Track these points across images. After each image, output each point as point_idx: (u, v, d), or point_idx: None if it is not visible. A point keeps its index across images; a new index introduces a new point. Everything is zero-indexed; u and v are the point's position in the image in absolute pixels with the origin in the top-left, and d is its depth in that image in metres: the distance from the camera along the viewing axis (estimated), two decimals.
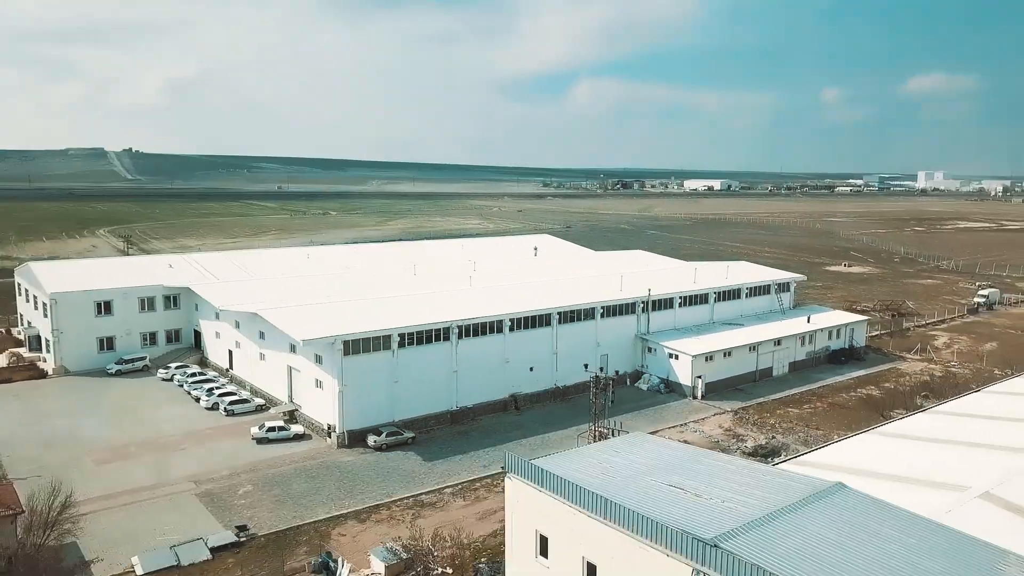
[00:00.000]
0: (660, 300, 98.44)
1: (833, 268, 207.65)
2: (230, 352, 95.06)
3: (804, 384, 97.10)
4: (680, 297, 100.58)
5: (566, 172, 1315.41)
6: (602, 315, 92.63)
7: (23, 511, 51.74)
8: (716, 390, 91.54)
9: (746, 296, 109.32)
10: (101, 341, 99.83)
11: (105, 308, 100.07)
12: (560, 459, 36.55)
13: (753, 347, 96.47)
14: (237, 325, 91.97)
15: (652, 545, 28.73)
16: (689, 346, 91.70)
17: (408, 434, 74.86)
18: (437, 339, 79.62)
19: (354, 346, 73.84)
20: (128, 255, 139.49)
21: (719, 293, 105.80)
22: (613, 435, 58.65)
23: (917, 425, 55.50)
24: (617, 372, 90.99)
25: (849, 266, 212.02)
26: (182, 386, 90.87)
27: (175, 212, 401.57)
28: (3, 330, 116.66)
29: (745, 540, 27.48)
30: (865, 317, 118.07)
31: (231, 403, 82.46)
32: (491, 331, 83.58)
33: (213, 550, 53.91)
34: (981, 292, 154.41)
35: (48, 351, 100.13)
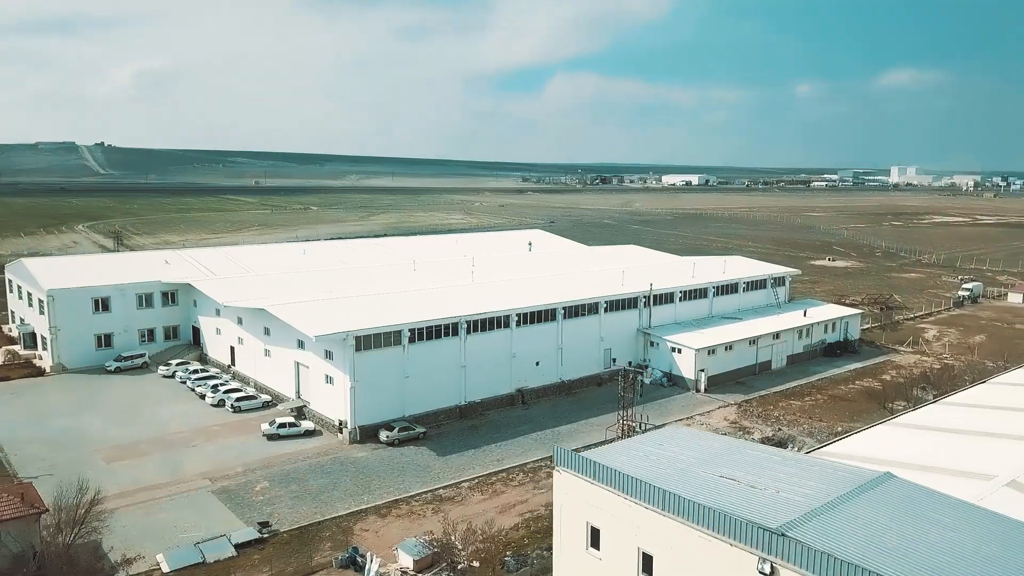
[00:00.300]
0: (661, 295, 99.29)
1: (817, 262, 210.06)
2: (232, 349, 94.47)
3: (803, 377, 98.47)
4: (680, 292, 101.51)
5: (544, 167, 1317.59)
6: (606, 310, 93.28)
7: (47, 509, 51.38)
8: (718, 383, 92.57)
9: (743, 290, 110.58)
10: (99, 338, 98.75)
11: (103, 305, 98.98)
12: (605, 452, 37.00)
13: (753, 341, 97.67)
14: (240, 321, 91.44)
15: (714, 535, 29.27)
16: (692, 340, 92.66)
17: (419, 429, 75.01)
18: (446, 334, 79.79)
19: (365, 342, 73.82)
20: (118, 251, 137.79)
21: (717, 287, 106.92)
22: (640, 428, 59.18)
23: (930, 416, 56.63)
24: (629, 363, 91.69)
25: (833, 260, 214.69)
26: (184, 383, 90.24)
27: (153, 207, 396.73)
28: None
29: (809, 529, 28.10)
30: (859, 311, 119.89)
31: (238, 400, 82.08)
32: (498, 326, 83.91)
33: (237, 547, 53.82)
34: (965, 286, 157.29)
35: (44, 348, 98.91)
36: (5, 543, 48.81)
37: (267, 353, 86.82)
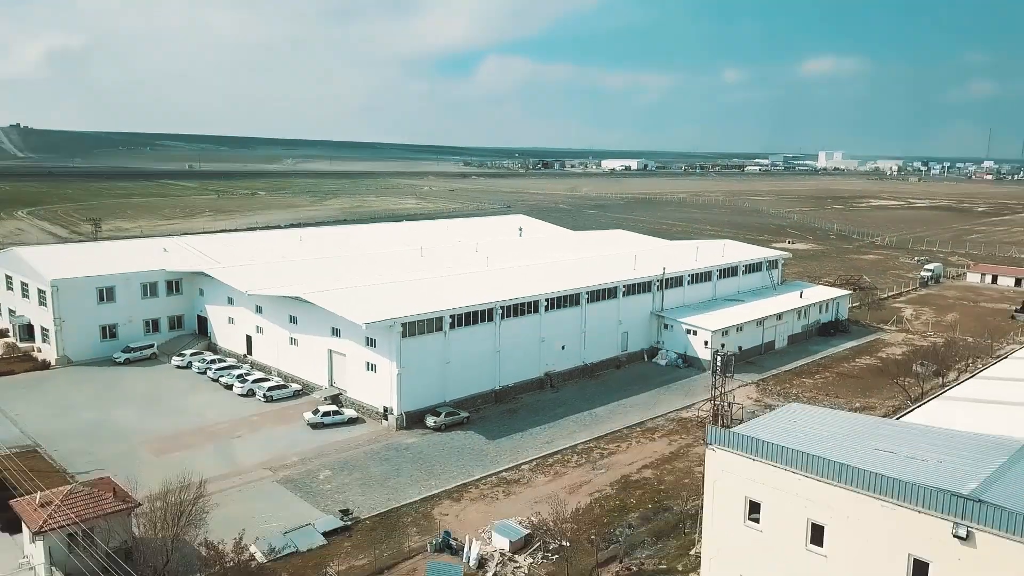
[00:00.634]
0: (671, 278, 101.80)
1: (778, 245, 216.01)
2: (248, 338, 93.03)
3: (805, 356, 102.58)
4: (689, 275, 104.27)
5: (479, 151, 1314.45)
6: (623, 294, 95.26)
7: (140, 504, 50.59)
8: (729, 362, 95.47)
9: (742, 273, 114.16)
10: (103, 329, 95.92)
11: (107, 295, 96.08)
12: (750, 430, 38.70)
13: (760, 322, 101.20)
14: (259, 310, 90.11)
15: (900, 504, 31.30)
16: (707, 322, 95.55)
17: (463, 414, 75.77)
18: (482, 320, 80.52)
19: (410, 328, 74.04)
20: (95, 239, 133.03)
21: (720, 271, 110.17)
22: (728, 408, 61.05)
23: (975, 390, 60.23)
24: (643, 349, 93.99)
25: (792, 243, 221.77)
26: (204, 373, 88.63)
27: (90, 192, 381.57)
28: None
29: (995, 494, 30.41)
30: (848, 291, 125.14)
31: (269, 389, 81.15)
32: (528, 311, 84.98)
33: (324, 535, 53.92)
34: (927, 267, 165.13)
35: (44, 341, 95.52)
36: (100, 539, 48.03)
37: (293, 342, 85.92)
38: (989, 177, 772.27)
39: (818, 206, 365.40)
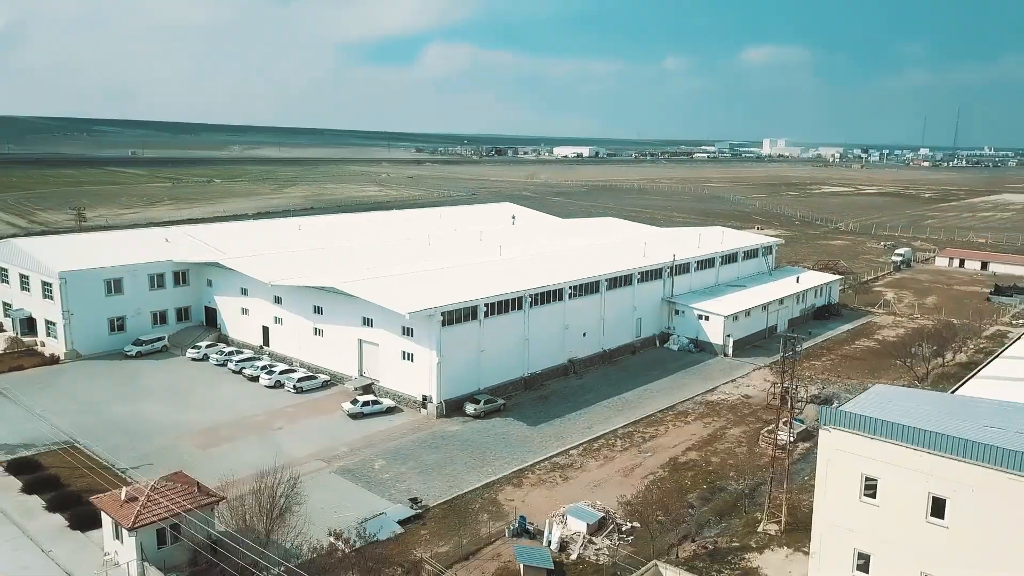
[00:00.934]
0: (679, 265, 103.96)
1: (746, 231, 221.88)
2: (265, 328, 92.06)
3: (807, 340, 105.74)
4: (696, 261, 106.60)
5: (427, 137, 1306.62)
6: (638, 280, 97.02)
7: (224, 498, 50.31)
8: (739, 347, 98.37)
9: (741, 259, 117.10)
10: (111, 322, 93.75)
11: (115, 287, 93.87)
12: (859, 410, 40.47)
13: (764, 306, 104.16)
14: (278, 300, 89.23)
15: None
16: (719, 307, 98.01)
17: (500, 401, 76.65)
18: (512, 308, 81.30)
19: (448, 317, 74.43)
20: (80, 229, 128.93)
21: (723, 257, 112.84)
22: (797, 392, 62.73)
23: (1007, 369, 63.47)
24: (655, 334, 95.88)
25: (761, 229, 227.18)
26: (224, 365, 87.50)
27: (37, 181, 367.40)
28: None
29: None
30: (838, 276, 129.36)
31: (299, 380, 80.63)
32: (554, 299, 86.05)
33: (398, 523, 54.32)
34: (898, 251, 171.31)
35: (48, 335, 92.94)
36: (185, 533, 47.73)
37: (317, 332, 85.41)
38: (926, 164, 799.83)
39: (773, 193, 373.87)
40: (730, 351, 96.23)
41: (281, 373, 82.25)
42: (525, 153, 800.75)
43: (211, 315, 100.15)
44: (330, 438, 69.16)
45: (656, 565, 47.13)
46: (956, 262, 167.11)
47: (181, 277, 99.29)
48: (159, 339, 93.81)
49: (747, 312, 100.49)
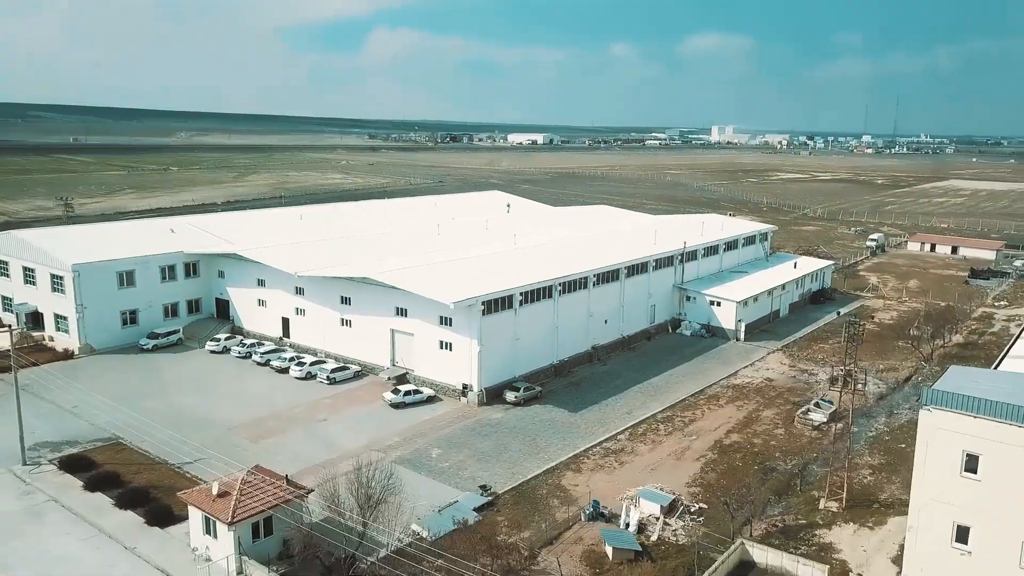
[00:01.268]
0: (688, 252, 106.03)
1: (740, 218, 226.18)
2: (285, 320, 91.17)
3: (808, 323, 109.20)
4: (703, 248, 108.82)
5: (377, 123, 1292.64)
6: (653, 268, 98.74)
7: (312, 490, 50.35)
8: (748, 332, 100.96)
9: (741, 246, 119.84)
10: (124, 315, 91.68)
11: (127, 279, 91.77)
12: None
13: (769, 292, 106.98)
14: (299, 291, 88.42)
15: None
16: (730, 293, 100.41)
17: (537, 388, 77.58)
18: (543, 297, 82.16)
19: (487, 306, 74.95)
20: (67, 221, 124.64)
21: (726, 244, 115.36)
22: (851, 375, 64.78)
23: None
24: (667, 320, 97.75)
25: (733, 215, 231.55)
26: (247, 357, 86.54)
27: None
28: None
29: None
30: (831, 262, 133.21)
31: (332, 371, 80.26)
32: (579, 287, 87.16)
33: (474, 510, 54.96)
34: (872, 237, 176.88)
35: (58, 329, 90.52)
36: (277, 526, 47.73)
37: (345, 323, 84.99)
38: (869, 151, 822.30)
39: (733, 179, 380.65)
40: (742, 336, 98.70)
41: (312, 364, 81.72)
42: (480, 140, 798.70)
43: (222, 307, 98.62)
44: (377, 428, 69.23)
45: (744, 544, 48.77)
46: (928, 247, 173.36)
47: (192, 269, 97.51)
48: (174, 332, 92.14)
49: (755, 298, 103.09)
